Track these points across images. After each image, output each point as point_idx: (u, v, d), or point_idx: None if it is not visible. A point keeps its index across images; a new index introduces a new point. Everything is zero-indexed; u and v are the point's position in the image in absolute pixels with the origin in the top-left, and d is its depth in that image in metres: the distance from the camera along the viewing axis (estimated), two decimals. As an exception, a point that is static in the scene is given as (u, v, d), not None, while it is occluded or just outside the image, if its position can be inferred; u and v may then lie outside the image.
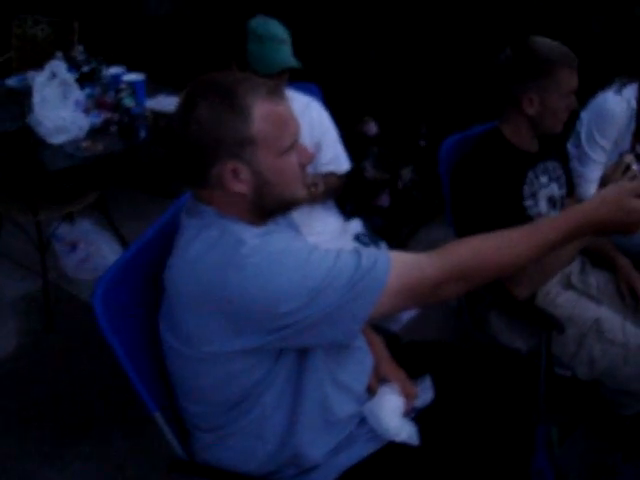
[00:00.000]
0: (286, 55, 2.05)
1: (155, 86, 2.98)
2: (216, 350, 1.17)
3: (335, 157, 2.30)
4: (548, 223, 1.24)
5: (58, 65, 2.58)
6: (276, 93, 1.19)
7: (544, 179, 2.01)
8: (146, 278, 1.35)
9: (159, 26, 4.12)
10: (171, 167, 1.23)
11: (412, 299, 1.18)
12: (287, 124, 1.20)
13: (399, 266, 1.15)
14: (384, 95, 3.34)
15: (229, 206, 1.21)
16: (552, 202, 2.03)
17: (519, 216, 1.90)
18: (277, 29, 2.06)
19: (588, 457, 2.15)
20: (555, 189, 2.05)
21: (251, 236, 1.16)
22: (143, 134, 2.58)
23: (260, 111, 1.15)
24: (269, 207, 1.24)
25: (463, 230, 1.94)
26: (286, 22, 2.11)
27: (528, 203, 1.94)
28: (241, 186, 1.17)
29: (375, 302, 1.13)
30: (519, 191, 1.91)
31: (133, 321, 1.34)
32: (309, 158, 1.26)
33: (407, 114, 3.35)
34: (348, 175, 2.39)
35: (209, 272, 1.13)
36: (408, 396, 1.47)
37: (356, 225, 2.37)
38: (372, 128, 3.24)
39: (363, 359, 1.45)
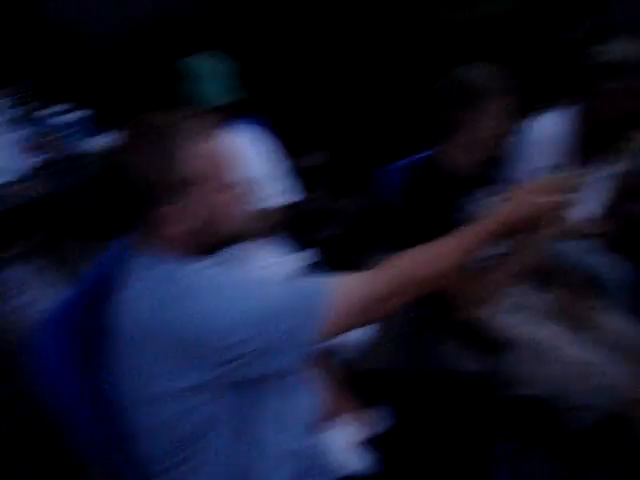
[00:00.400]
0: (215, 92, 2.04)
1: (98, 123, 2.93)
2: (164, 390, 1.14)
3: (283, 189, 2.30)
4: (470, 230, 1.32)
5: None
6: (211, 132, 1.18)
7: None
8: (84, 323, 1.32)
9: (100, 64, 4.09)
10: (109, 210, 1.21)
11: (361, 316, 1.21)
12: (222, 162, 1.20)
13: (344, 287, 1.18)
14: (332, 124, 3.37)
15: (167, 247, 1.19)
16: None
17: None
18: (209, 66, 2.06)
19: (548, 476, 2.16)
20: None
21: (191, 272, 1.15)
22: (84, 174, 2.53)
23: (194, 151, 1.14)
24: (209, 244, 1.24)
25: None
26: (232, 54, 2.12)
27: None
28: (178, 228, 1.17)
29: (321, 325, 1.14)
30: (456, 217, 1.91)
31: (71, 369, 1.31)
32: (248, 192, 1.28)
33: (355, 142, 3.37)
34: (297, 206, 2.39)
35: (150, 313, 1.11)
36: (363, 426, 1.46)
37: (305, 256, 2.37)
38: (321, 157, 3.25)
39: (315, 390, 1.44)
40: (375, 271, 1.22)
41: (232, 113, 2.13)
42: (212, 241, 1.23)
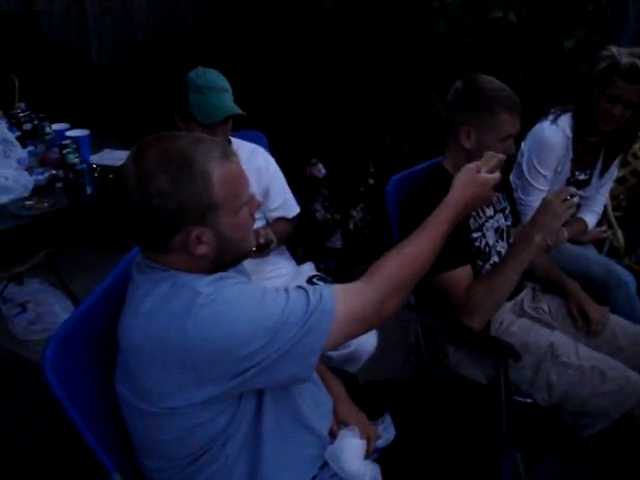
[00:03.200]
0: (227, 103, 2.06)
1: (99, 140, 2.96)
2: (178, 404, 1.15)
3: (284, 202, 2.31)
4: (435, 219, 1.37)
5: (-1, 124, 2.55)
6: (228, 153, 1.20)
7: (489, 211, 2.04)
8: (98, 336, 1.32)
9: (100, 80, 4.12)
10: (132, 233, 1.21)
11: (360, 323, 1.24)
12: (241, 181, 1.22)
13: (343, 295, 1.21)
14: (329, 136, 3.39)
15: (184, 264, 1.21)
16: (499, 232, 2.07)
17: (467, 248, 1.93)
18: (216, 79, 2.07)
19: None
20: (502, 220, 2.09)
21: (204, 284, 1.16)
22: (89, 190, 2.56)
23: (218, 176, 1.15)
24: (228, 262, 1.26)
25: None
26: (227, 71, 2.13)
27: (475, 235, 1.97)
28: (204, 248, 1.18)
29: (328, 332, 1.17)
30: (466, 224, 1.93)
31: (86, 382, 1.30)
32: (258, 206, 1.29)
33: (353, 154, 3.39)
34: (299, 219, 2.40)
35: (165, 326, 1.12)
36: (369, 438, 1.46)
37: (309, 268, 2.37)
38: (320, 170, 3.26)
39: (322, 401, 1.45)
40: (365, 278, 1.26)
41: (234, 127, 2.14)
42: (231, 259, 1.26)
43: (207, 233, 1.17)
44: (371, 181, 3.39)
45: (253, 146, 2.30)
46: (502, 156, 1.53)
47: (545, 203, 1.77)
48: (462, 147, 1.92)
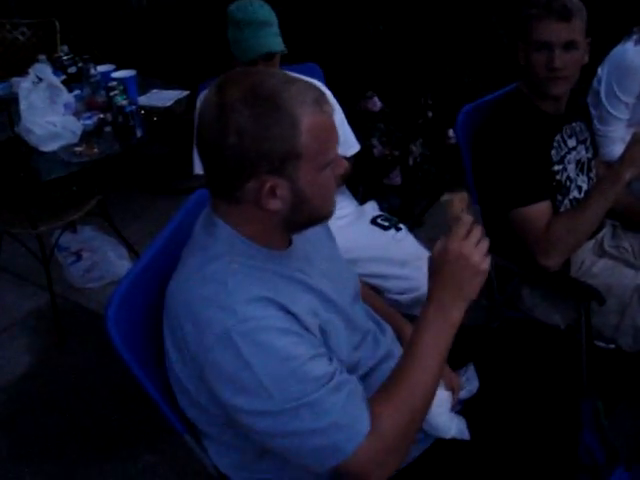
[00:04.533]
0: (268, 39, 1.96)
1: (144, 81, 2.87)
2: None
3: (343, 140, 2.18)
4: (422, 343, 1.13)
5: (43, 68, 2.47)
6: (322, 101, 1.07)
7: (572, 142, 1.93)
8: (159, 288, 1.23)
9: (143, 19, 4.01)
10: (208, 177, 1.12)
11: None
12: (331, 136, 1.09)
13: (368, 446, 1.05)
14: (385, 69, 3.23)
15: (250, 222, 1.12)
16: (580, 165, 1.96)
17: (548, 181, 1.83)
18: (257, 11, 1.96)
19: (635, 431, 2.06)
20: (583, 152, 1.97)
21: (243, 302, 1.05)
22: (139, 132, 2.48)
23: (307, 123, 1.03)
24: (299, 224, 1.16)
25: (488, 198, 1.89)
26: (275, 2, 2.02)
27: (557, 168, 1.86)
28: (277, 203, 1.07)
29: (327, 464, 1.06)
30: (547, 156, 1.83)
31: (147, 335, 1.24)
32: (343, 168, 1.16)
33: (410, 86, 3.23)
34: (357, 155, 2.29)
35: (194, 312, 1.07)
36: (453, 389, 1.40)
37: (372, 207, 2.29)
38: (376, 103, 3.12)
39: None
40: (378, 421, 1.07)
41: (288, 60, 2.05)
42: (304, 221, 1.15)
43: (283, 186, 1.05)
44: (430, 114, 3.23)
45: (311, 81, 2.17)
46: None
47: (636, 138, 1.67)
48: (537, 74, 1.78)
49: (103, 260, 3.04)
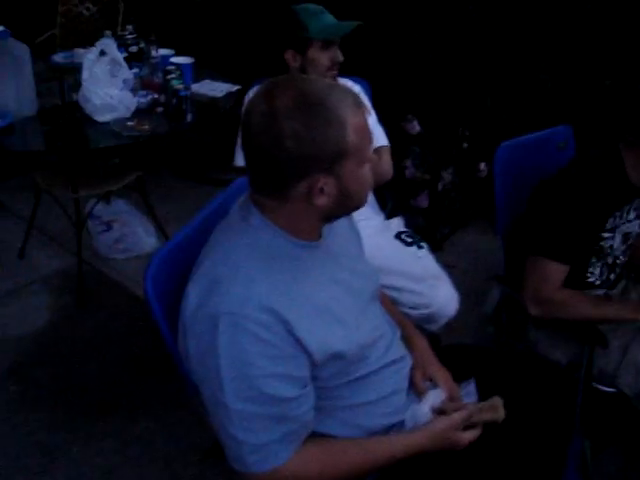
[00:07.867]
0: (341, 22, 2.11)
1: (198, 70, 2.96)
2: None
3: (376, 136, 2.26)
4: (383, 447, 1.30)
5: (108, 43, 2.56)
6: (359, 102, 1.16)
7: (631, 215, 1.91)
8: (190, 262, 1.31)
9: (203, 10, 4.10)
10: (251, 177, 1.19)
11: None
12: (369, 133, 1.18)
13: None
14: (429, 96, 3.30)
15: (291, 215, 1.19)
16: (626, 238, 1.95)
17: (587, 247, 1.85)
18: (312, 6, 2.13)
19: (619, 477, 2.11)
20: (635, 227, 1.96)
21: (244, 301, 1.11)
22: (190, 117, 2.56)
23: (352, 123, 1.12)
24: (337, 216, 1.25)
25: (523, 234, 1.90)
26: (338, 15, 2.14)
27: (606, 235, 1.86)
28: (324, 199, 1.15)
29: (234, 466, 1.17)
30: (604, 222, 1.83)
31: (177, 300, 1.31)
32: (375, 160, 1.26)
33: (450, 116, 3.30)
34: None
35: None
36: (452, 398, 1.45)
37: (398, 223, 2.34)
38: (415, 127, 3.20)
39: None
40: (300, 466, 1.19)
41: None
42: (343, 213, 1.25)
43: (331, 184, 1.14)
44: (465, 145, 3.30)
45: (357, 87, 2.26)
46: (500, 415, 1.40)
47: None
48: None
49: (132, 234, 3.13)
